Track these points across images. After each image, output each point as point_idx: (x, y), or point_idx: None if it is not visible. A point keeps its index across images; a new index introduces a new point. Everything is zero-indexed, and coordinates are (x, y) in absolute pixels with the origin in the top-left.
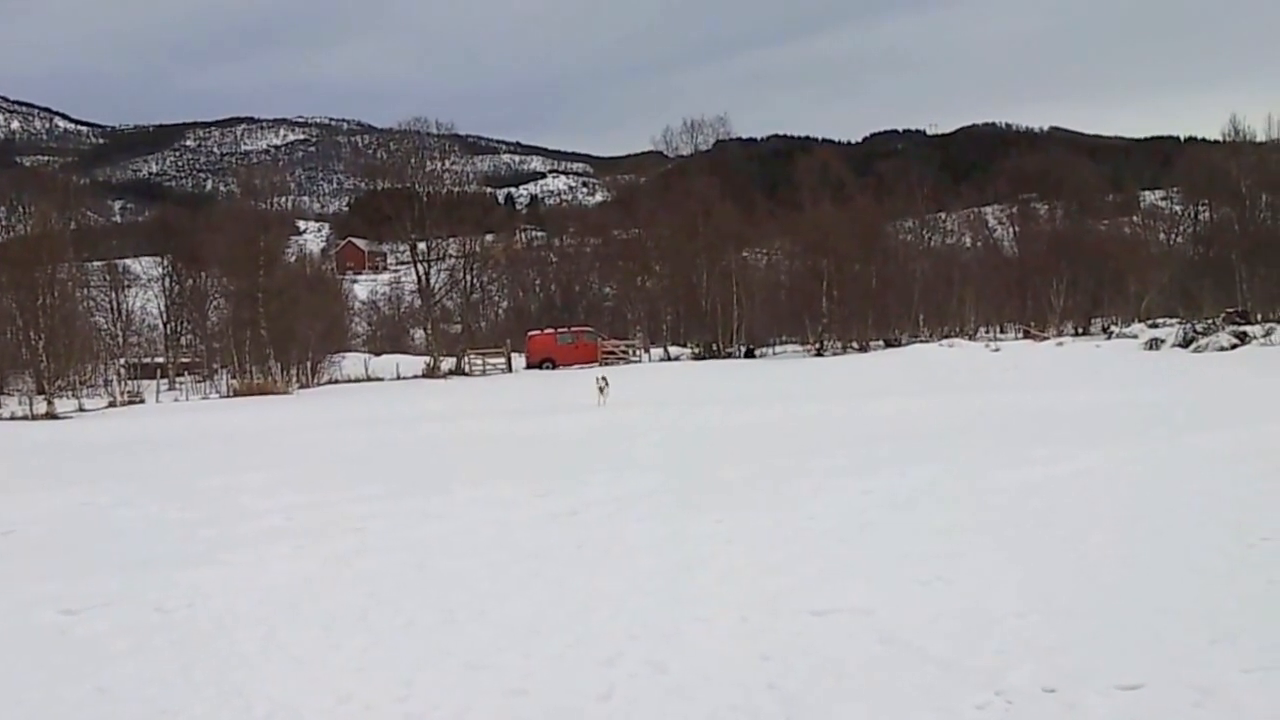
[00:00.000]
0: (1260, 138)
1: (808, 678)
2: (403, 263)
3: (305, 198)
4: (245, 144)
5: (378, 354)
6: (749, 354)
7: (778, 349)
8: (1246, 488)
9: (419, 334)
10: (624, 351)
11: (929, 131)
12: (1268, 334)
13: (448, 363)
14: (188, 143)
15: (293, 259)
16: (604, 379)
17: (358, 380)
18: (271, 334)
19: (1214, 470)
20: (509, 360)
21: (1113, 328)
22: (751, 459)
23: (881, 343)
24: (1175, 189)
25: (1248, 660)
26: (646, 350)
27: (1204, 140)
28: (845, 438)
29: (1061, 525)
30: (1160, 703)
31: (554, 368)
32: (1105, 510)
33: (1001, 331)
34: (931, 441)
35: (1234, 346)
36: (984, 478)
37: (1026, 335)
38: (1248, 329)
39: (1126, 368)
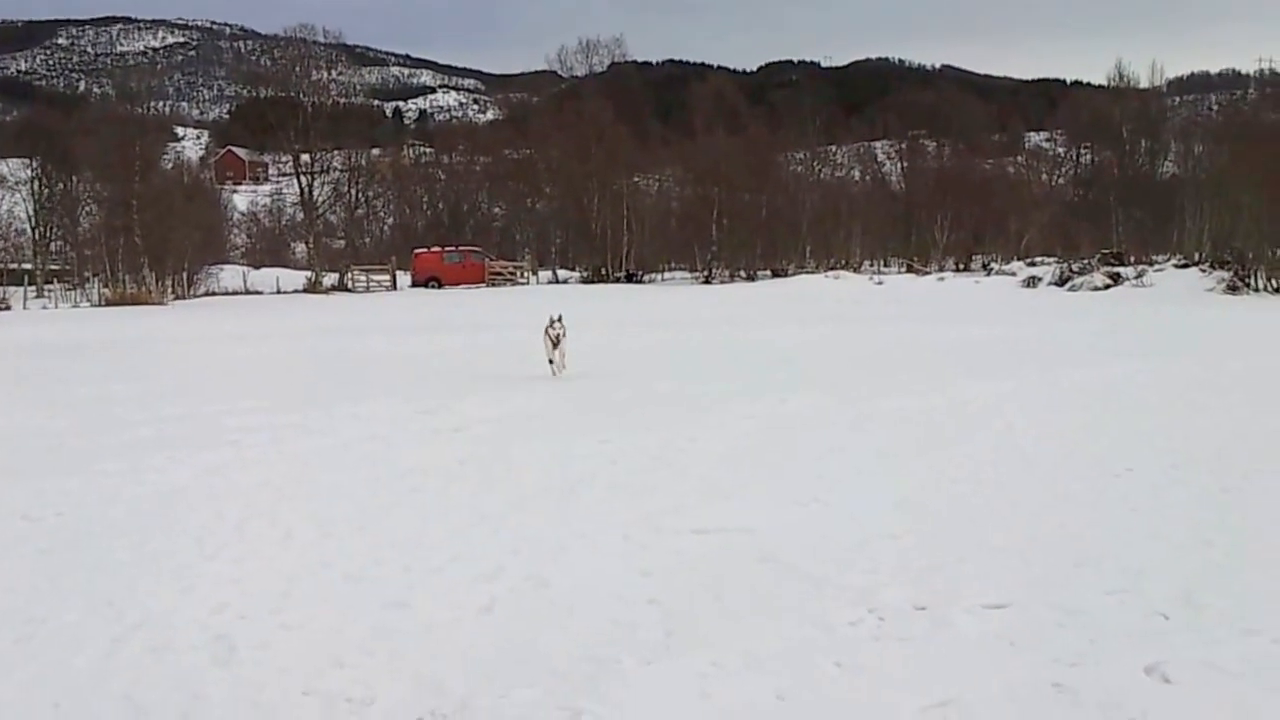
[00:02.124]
0: (1143, 84)
1: (688, 594)
2: (285, 174)
3: (184, 103)
4: (121, 44)
5: (257, 267)
6: (631, 278)
7: (666, 276)
8: (1113, 421)
9: (300, 248)
10: (511, 273)
11: (824, 64)
12: (1139, 276)
13: (330, 278)
14: (60, 40)
15: (170, 166)
16: (558, 325)
17: (236, 293)
18: (146, 243)
19: (1083, 404)
20: (394, 278)
21: (993, 265)
22: (638, 382)
23: (769, 273)
24: (1059, 131)
25: (1109, 583)
26: (534, 273)
27: (1089, 85)
28: (730, 364)
29: (936, 453)
30: (1025, 621)
31: (440, 287)
32: (979, 440)
33: (885, 265)
34: (814, 370)
35: (1107, 287)
36: (864, 406)
37: (909, 270)
38: (1121, 270)
39: (1004, 304)
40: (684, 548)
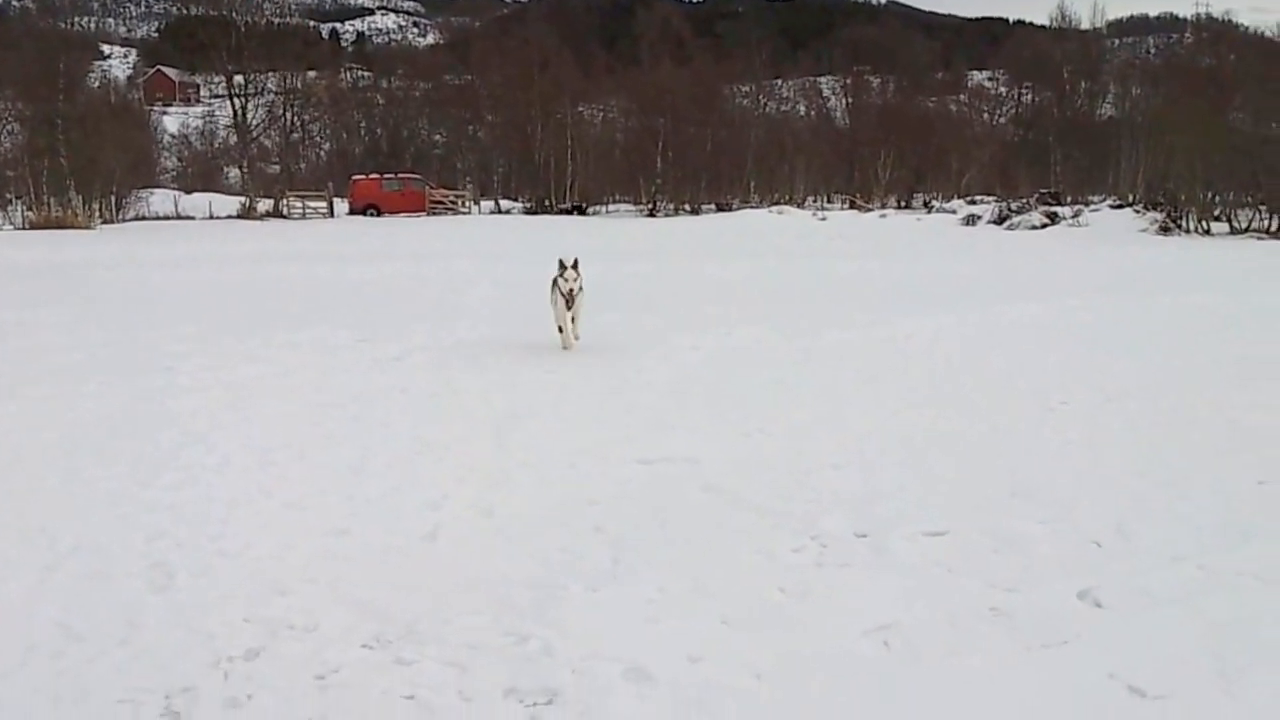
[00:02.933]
0: (1084, 25)
1: (634, 522)
2: (217, 96)
3: (110, 19)
4: None
5: (189, 192)
6: (577, 210)
7: (610, 208)
8: (1049, 355)
9: (234, 173)
10: (453, 202)
11: None
12: (1076, 215)
13: (264, 204)
14: None
15: (96, 85)
16: (571, 275)
17: (167, 218)
18: (72, 164)
19: (1021, 339)
20: (331, 205)
21: (933, 203)
22: (583, 313)
23: (713, 207)
24: (1001, 71)
25: (1043, 512)
26: (476, 202)
27: (1031, 25)
28: (675, 297)
29: (878, 385)
30: (962, 548)
31: (379, 215)
32: (919, 372)
33: (829, 201)
34: (758, 303)
35: (1044, 226)
36: (808, 338)
37: (852, 206)
38: (1058, 210)
39: (944, 241)
40: (630, 477)
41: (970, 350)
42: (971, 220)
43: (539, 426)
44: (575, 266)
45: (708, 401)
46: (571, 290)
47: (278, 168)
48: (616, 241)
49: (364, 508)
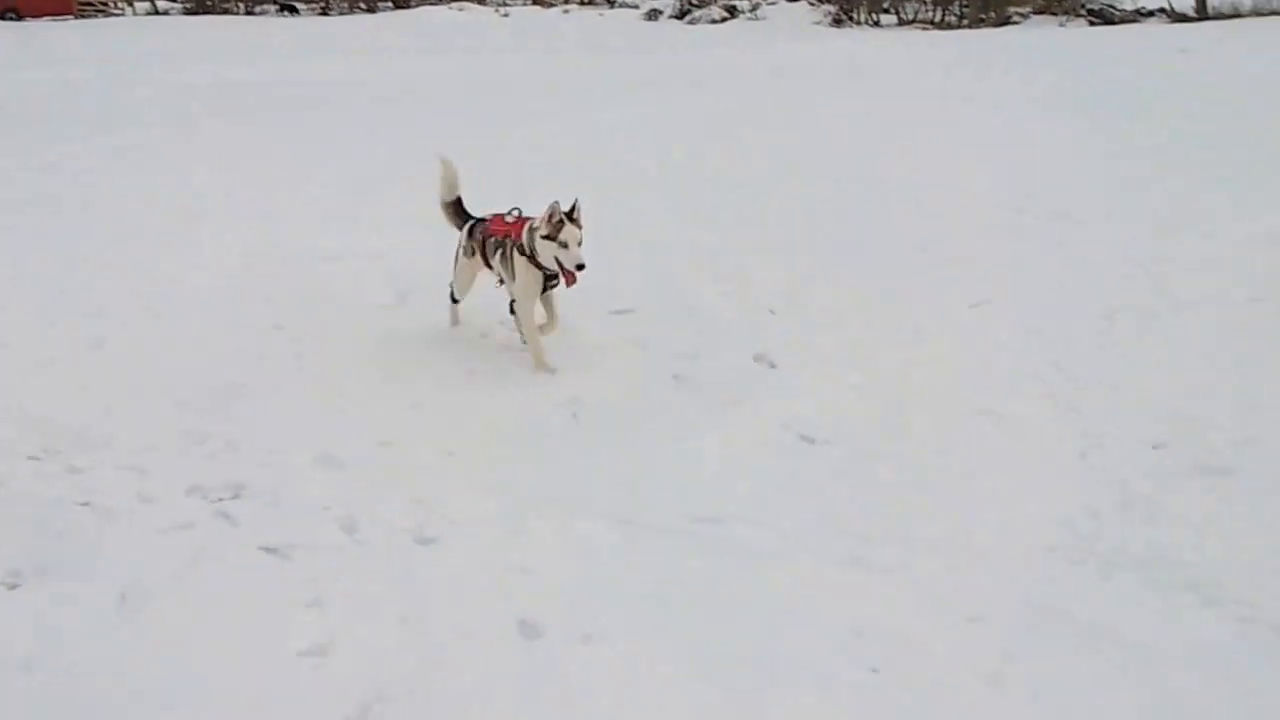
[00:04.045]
0: None
1: (317, 318)
2: None
3: None
4: None
5: None
6: (289, 11)
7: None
8: (723, 143)
9: None
10: (105, 3)
11: None
12: (754, 9)
13: None
14: None
15: None
16: (575, 233)
17: None
18: None
19: (699, 128)
20: None
21: None
22: (253, 115)
23: (390, 3)
24: None
25: (723, 286)
26: (130, 4)
27: None
28: (348, 98)
29: (563, 175)
30: (649, 323)
31: (18, 19)
32: (605, 161)
33: None
34: (443, 101)
35: (724, 20)
36: (497, 133)
37: (535, 2)
38: (736, 4)
39: (627, 36)
40: (311, 272)
41: (654, 140)
42: (654, 15)
43: (211, 227)
44: (576, 214)
45: (389, 197)
46: (564, 240)
47: None
48: (288, 42)
49: (19, 320)
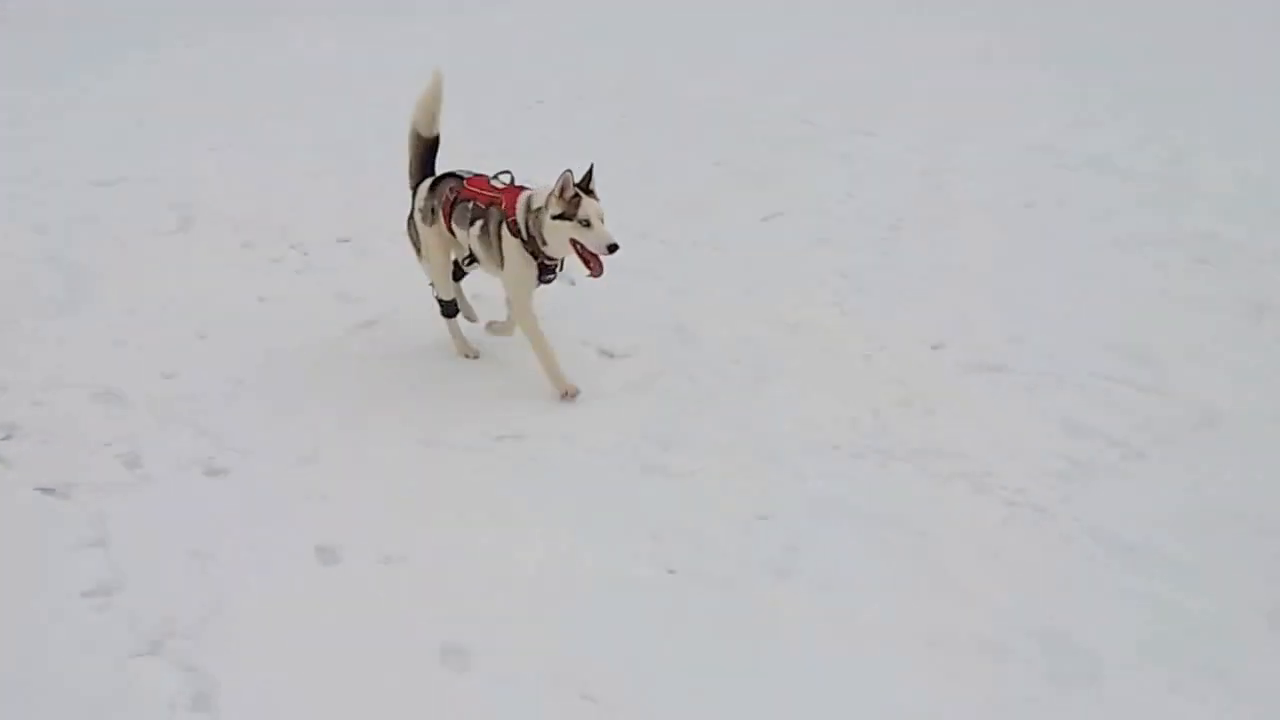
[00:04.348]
0: None
1: (91, 248)
2: None
3: None
4: None
5: None
6: None
7: None
8: (524, 57)
9: None
10: None
11: None
12: None
13: None
14: None
15: None
16: (596, 207)
17: None
18: None
19: (497, 42)
20: None
21: None
22: (12, 59)
23: None
24: None
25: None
26: None
27: None
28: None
29: (348, 97)
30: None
31: None
32: (395, 79)
33: None
34: (218, 12)
35: None
36: (277, 53)
37: None
38: None
39: None
40: (84, 200)
41: (447, 55)
42: None
43: None
44: (591, 186)
45: (170, 125)
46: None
47: None
48: None
49: None
